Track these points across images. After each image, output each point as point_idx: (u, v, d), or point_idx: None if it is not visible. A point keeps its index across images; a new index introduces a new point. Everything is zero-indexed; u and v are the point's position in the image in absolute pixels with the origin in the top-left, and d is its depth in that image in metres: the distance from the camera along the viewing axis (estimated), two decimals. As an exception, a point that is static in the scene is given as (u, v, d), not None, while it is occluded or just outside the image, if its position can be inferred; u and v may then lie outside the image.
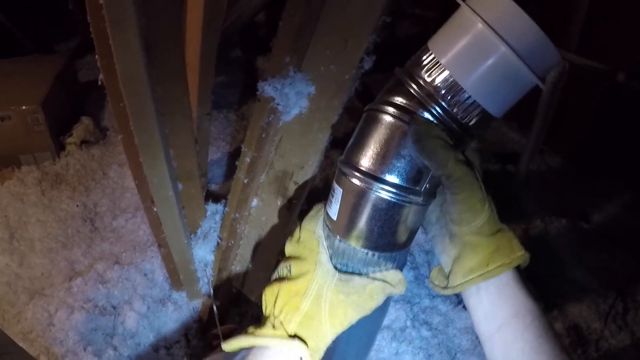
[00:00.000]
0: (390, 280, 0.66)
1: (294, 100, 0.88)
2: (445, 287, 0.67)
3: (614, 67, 2.22)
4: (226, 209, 1.18)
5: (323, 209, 0.70)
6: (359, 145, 0.64)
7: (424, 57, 0.59)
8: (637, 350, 1.65)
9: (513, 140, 2.76)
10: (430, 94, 0.58)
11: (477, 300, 0.66)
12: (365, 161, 0.62)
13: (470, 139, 0.63)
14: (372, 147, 0.62)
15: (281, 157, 0.98)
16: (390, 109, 0.61)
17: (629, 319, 1.73)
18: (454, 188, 0.60)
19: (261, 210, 1.09)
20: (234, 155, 2.19)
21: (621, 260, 2.00)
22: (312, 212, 0.71)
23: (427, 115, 0.59)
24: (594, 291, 1.81)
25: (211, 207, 1.27)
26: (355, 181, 0.62)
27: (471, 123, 0.60)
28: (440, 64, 0.57)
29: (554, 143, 2.63)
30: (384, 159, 0.61)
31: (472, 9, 0.54)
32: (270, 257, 1.15)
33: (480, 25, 0.53)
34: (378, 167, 0.61)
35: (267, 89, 0.87)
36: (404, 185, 0.61)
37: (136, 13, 0.82)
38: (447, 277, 0.67)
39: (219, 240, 1.24)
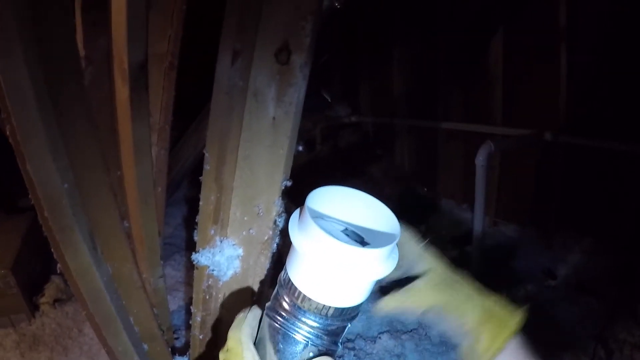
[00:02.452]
0: None
1: (226, 264, 0.97)
2: None
3: (539, 129, 2.39)
4: (190, 362, 1.24)
5: (245, 317, 0.75)
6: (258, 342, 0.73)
7: (284, 275, 0.69)
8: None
9: (467, 221, 2.87)
10: (291, 305, 0.67)
11: None
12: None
13: (346, 323, 0.69)
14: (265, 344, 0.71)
15: (227, 311, 1.06)
16: (270, 313, 0.70)
17: (615, 360, 1.76)
18: None
19: None
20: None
21: (594, 307, 2.05)
22: (235, 322, 0.74)
23: (299, 316, 0.67)
24: (573, 346, 1.84)
25: (178, 360, 1.33)
26: None
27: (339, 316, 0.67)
28: (292, 283, 0.66)
29: (506, 213, 2.76)
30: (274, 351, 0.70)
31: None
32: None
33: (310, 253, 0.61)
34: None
35: (200, 259, 0.97)
36: None
37: (75, 216, 0.92)
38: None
39: (191, 391, 1.29)
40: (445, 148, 3.09)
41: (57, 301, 2.25)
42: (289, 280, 0.67)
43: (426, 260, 0.73)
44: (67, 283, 2.27)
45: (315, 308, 0.65)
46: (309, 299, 0.65)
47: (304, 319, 0.66)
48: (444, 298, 0.69)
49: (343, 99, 3.29)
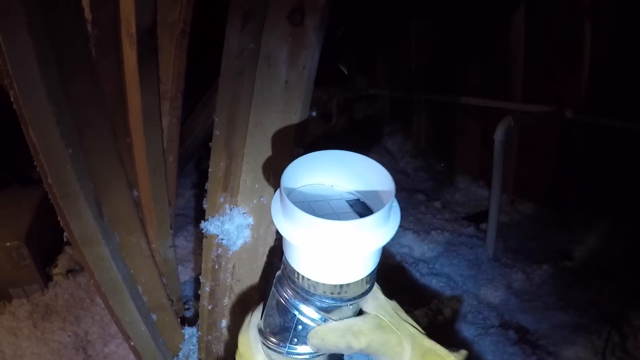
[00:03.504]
0: None
1: (236, 233, 0.95)
2: None
3: (560, 107, 2.32)
4: (199, 332, 1.23)
5: (250, 319, 0.74)
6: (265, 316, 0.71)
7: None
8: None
9: (483, 198, 2.82)
10: (286, 276, 0.64)
11: None
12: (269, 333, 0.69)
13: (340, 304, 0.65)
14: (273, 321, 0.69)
15: (238, 281, 1.04)
16: (276, 282, 0.68)
17: (629, 347, 1.72)
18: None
19: (232, 331, 1.14)
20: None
21: (610, 291, 2.01)
22: (243, 326, 0.74)
23: (294, 288, 0.64)
24: (587, 329, 1.81)
25: (188, 330, 1.32)
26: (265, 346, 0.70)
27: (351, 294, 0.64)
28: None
29: (523, 191, 2.70)
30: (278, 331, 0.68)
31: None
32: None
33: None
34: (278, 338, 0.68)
35: (209, 227, 0.95)
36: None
37: (80, 182, 0.90)
38: None
39: (200, 362, 1.28)
40: (463, 123, 3.02)
41: (70, 272, 2.26)
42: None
43: (375, 297, 0.70)
44: (77, 257, 2.29)
45: (302, 280, 0.62)
46: (296, 271, 0.61)
47: (297, 291, 0.63)
48: (386, 336, 0.66)
49: (360, 72, 3.23)
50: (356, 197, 0.66)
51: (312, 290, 0.63)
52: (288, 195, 0.58)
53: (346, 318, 0.66)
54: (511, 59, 2.57)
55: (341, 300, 0.63)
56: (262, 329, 0.71)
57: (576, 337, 1.79)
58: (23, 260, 2.13)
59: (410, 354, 0.65)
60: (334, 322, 0.65)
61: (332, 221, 0.54)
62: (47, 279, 2.23)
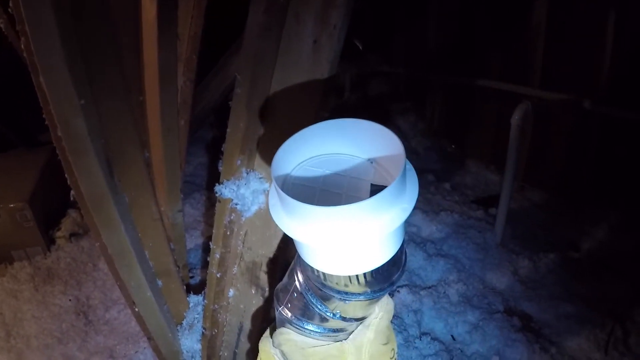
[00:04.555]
0: None
1: (251, 198, 0.92)
2: None
3: (578, 96, 2.28)
4: (205, 301, 1.21)
5: (269, 328, 0.75)
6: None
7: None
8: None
9: (493, 182, 2.80)
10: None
11: None
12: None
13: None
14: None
15: (249, 249, 1.01)
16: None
17: (631, 343, 1.70)
18: None
19: (238, 299, 1.11)
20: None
21: (615, 285, 1.99)
22: (265, 333, 0.75)
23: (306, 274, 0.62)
24: (590, 321, 1.79)
25: (193, 298, 1.30)
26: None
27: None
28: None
29: (534, 179, 2.67)
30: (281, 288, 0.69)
31: None
32: (253, 341, 1.17)
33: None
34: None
35: (224, 191, 0.92)
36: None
37: (91, 136, 0.87)
38: None
39: (204, 330, 1.26)
40: (478, 106, 2.97)
41: (73, 235, 2.24)
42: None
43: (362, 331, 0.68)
44: (83, 217, 2.26)
45: (312, 269, 0.58)
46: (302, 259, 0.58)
47: (310, 278, 0.61)
48: None
49: (375, 48, 3.18)
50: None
51: (308, 270, 0.60)
52: (287, 175, 0.56)
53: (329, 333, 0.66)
54: (531, 44, 2.51)
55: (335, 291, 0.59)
56: (280, 294, 0.69)
57: (579, 329, 1.77)
58: (26, 222, 2.11)
59: None
60: (296, 334, 0.66)
61: (318, 207, 0.47)
62: (50, 242, 2.23)
